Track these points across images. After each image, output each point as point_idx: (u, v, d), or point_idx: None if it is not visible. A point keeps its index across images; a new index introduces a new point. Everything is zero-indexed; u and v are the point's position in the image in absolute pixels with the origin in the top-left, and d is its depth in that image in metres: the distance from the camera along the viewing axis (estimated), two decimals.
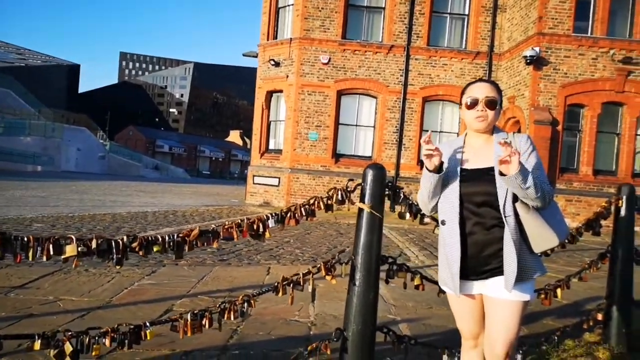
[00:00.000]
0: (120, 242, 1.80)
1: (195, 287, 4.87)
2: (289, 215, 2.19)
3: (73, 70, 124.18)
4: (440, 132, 15.81)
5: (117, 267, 1.87)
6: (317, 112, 15.80)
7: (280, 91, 16.47)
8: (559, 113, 13.37)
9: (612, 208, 3.58)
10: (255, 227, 2.10)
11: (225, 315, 2.07)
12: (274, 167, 16.32)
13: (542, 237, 2.01)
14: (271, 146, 17.05)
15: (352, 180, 2.42)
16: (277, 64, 16.19)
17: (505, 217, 2.00)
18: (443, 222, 2.13)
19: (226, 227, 2.04)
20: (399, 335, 2.63)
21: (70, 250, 1.74)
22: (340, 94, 15.89)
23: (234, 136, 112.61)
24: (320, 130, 15.81)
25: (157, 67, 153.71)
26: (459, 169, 2.12)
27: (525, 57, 13.22)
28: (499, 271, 2.04)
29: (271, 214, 2.17)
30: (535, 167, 2.03)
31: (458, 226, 2.06)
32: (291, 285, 2.24)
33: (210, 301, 4.35)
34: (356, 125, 16.17)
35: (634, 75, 13.31)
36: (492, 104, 2.09)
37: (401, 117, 15.73)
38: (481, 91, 2.11)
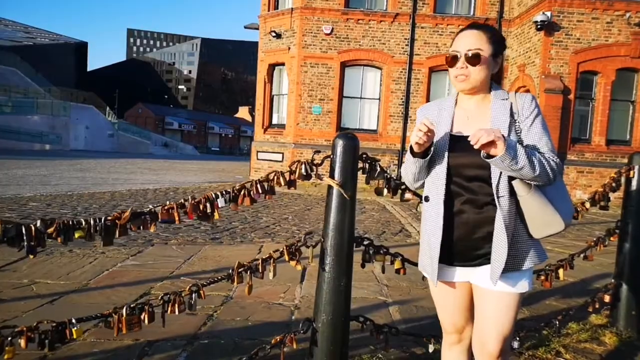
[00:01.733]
0: (33, 228, 1.53)
1: (180, 267, 4.65)
2: (242, 192, 1.91)
3: (81, 48, 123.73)
4: None
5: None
6: (321, 85, 15.37)
7: (283, 64, 16.02)
8: (571, 81, 12.81)
9: (623, 179, 3.24)
10: (202, 207, 1.82)
11: (169, 309, 1.81)
12: (277, 143, 16.00)
13: (544, 222, 1.70)
14: (274, 121, 16.71)
15: (318, 152, 2.12)
16: (278, 36, 15.71)
17: (497, 197, 1.69)
18: (427, 199, 1.83)
19: (166, 207, 1.76)
20: (378, 325, 2.36)
21: None
22: (343, 65, 15.41)
23: (243, 112, 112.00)
24: (323, 103, 15.41)
25: (164, 44, 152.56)
26: (448, 135, 1.80)
27: (535, 22, 12.60)
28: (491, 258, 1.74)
29: (222, 192, 1.88)
30: (539, 136, 1.71)
31: (443, 204, 1.75)
32: (249, 272, 1.97)
33: (193, 282, 4.12)
34: (361, 98, 15.72)
35: None
36: (475, 58, 1.73)
37: (407, 89, 15.25)
38: (464, 43, 1.76)
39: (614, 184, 3.21)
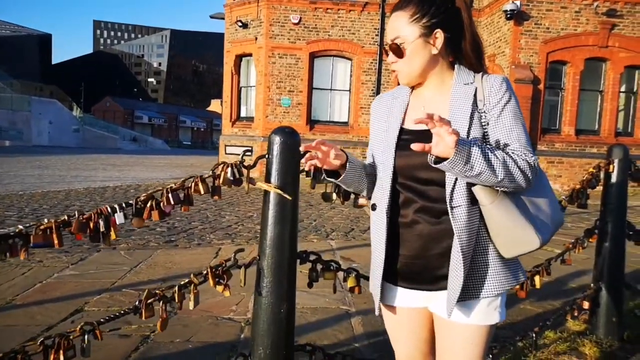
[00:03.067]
0: None
1: (124, 277, 4.21)
2: (149, 204, 1.51)
3: (45, 41, 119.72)
4: None
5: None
6: (289, 77, 14.92)
7: (250, 55, 15.50)
8: (540, 71, 12.72)
9: (602, 174, 2.97)
10: (92, 225, 1.42)
11: (51, 357, 1.40)
12: (246, 136, 15.50)
13: (512, 238, 1.34)
14: (242, 114, 16.19)
15: (249, 151, 1.73)
16: (244, 25, 15.17)
17: (451, 208, 1.34)
18: (373, 207, 1.48)
19: (42, 227, 1.35)
20: (329, 355, 2.00)
21: None
22: (313, 56, 14.99)
23: (216, 105, 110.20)
24: (293, 95, 14.98)
25: (132, 36, 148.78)
26: (397, 130, 1.44)
27: (505, 11, 12.43)
28: None
29: (122, 205, 1.48)
30: (508, 129, 1.34)
31: (386, 213, 1.41)
32: (162, 302, 1.58)
33: (135, 295, 3.70)
34: (331, 90, 15.35)
35: (618, 28, 12.64)
36: (396, 51, 1.40)
37: (378, 80, 14.94)
38: (387, 32, 1.45)
39: (592, 180, 2.93)
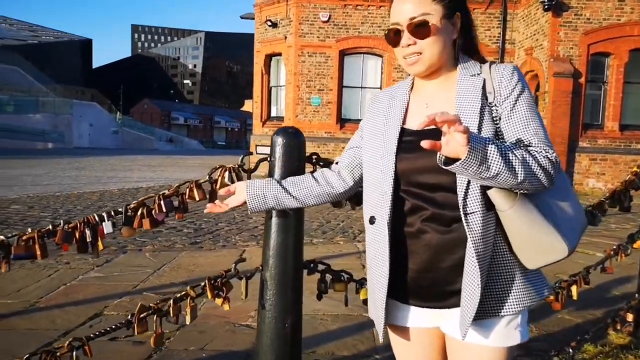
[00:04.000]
0: None
1: (147, 280, 4.19)
2: (140, 212, 1.41)
3: (85, 46, 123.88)
4: None
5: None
6: (319, 75, 14.81)
7: (280, 54, 15.48)
8: (581, 64, 12.13)
9: None
10: (78, 234, 1.33)
11: None
12: None
13: (537, 246, 1.17)
14: (273, 113, 16.20)
15: (249, 153, 1.62)
16: (274, 25, 15.15)
17: (465, 214, 1.18)
18: (372, 220, 1.33)
19: (25, 237, 1.26)
20: None
21: None
22: (342, 54, 14.83)
23: (249, 105, 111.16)
24: (322, 94, 14.86)
25: (168, 39, 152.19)
26: (397, 131, 1.29)
27: (542, 2, 11.91)
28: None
29: (110, 213, 1.39)
30: (524, 123, 1.18)
31: (387, 225, 1.26)
32: (155, 317, 1.48)
33: (155, 299, 3.66)
34: (361, 87, 15.14)
35: None
36: (422, 27, 1.21)
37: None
38: (403, 10, 1.24)
39: (636, 180, 2.67)
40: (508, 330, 1.24)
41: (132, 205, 1.41)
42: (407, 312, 1.32)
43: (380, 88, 14.94)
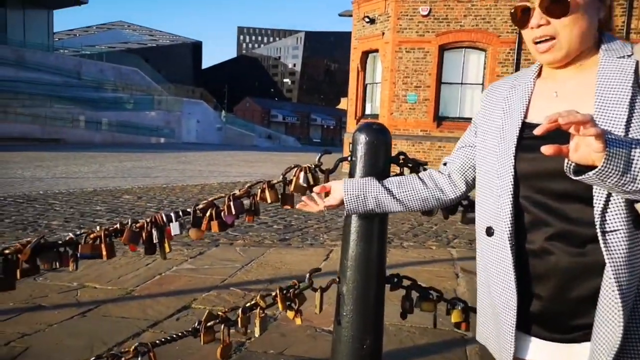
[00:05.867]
0: None
1: (234, 275, 4.23)
2: (209, 214, 1.31)
3: (196, 48, 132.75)
4: None
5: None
6: (416, 71, 14.34)
7: (376, 51, 15.24)
8: None
9: None
10: (145, 235, 1.26)
11: None
12: None
13: None
14: (367, 111, 16.01)
15: (328, 151, 1.45)
16: (372, 21, 14.94)
17: (603, 233, 0.92)
18: (489, 231, 1.09)
19: (92, 236, 1.22)
20: None
21: None
22: (442, 49, 14.21)
23: (345, 103, 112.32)
24: (419, 91, 14.38)
25: (271, 39, 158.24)
26: (518, 127, 1.05)
27: None
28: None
29: (179, 213, 1.30)
30: None
31: (508, 239, 1.02)
32: (223, 326, 1.37)
33: (240, 295, 3.67)
34: (461, 84, 14.41)
35: None
36: (559, 3, 0.96)
37: (515, 71, 13.64)
38: None
39: None
40: None
41: (200, 206, 1.31)
42: (527, 343, 1.08)
43: (483, 84, 14.11)
